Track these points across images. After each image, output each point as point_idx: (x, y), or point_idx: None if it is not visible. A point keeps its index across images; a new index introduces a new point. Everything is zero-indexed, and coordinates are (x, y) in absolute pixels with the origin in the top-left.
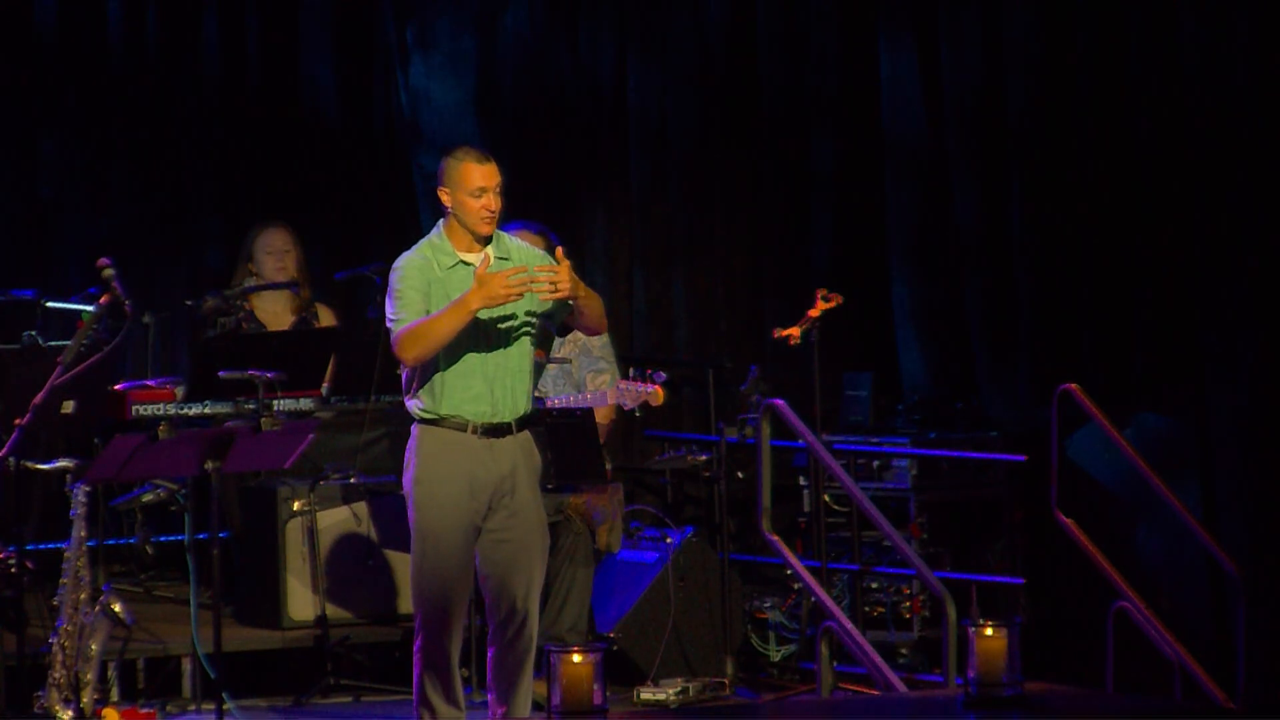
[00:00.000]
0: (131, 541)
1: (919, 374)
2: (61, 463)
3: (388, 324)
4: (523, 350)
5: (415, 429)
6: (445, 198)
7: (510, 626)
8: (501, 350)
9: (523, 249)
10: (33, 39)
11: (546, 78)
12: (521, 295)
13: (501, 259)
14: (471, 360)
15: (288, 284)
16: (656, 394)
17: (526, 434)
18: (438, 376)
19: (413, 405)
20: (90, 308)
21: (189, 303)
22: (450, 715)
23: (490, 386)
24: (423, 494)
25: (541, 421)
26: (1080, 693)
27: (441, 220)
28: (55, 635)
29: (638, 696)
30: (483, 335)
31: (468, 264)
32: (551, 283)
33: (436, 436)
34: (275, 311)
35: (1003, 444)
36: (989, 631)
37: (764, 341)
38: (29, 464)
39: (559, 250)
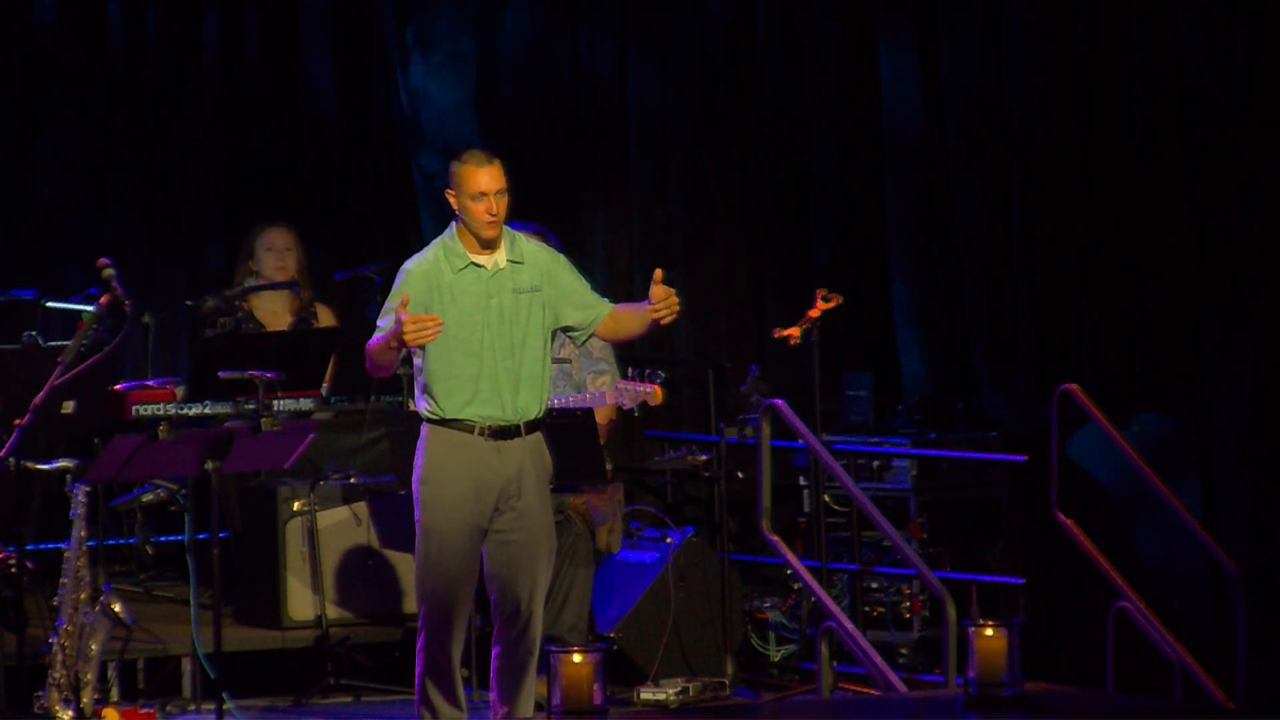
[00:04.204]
0: (131, 541)
1: (919, 374)
2: (61, 463)
3: None
4: (534, 354)
5: (424, 429)
6: (452, 200)
7: (514, 627)
8: (511, 353)
9: (538, 251)
10: (32, 39)
11: (546, 78)
12: (434, 337)
13: (515, 262)
14: (480, 363)
15: (288, 284)
16: (655, 393)
17: (537, 436)
18: (446, 378)
19: (422, 406)
20: (90, 308)
21: (189, 303)
22: (451, 715)
23: (498, 389)
24: (428, 494)
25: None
26: (1080, 693)
27: (454, 221)
28: (55, 635)
29: (638, 696)
30: (492, 338)
31: (479, 265)
32: (670, 309)
33: (444, 437)
34: (274, 311)
35: (1003, 444)
36: (989, 631)
37: (764, 341)
38: (29, 464)
39: (659, 273)
